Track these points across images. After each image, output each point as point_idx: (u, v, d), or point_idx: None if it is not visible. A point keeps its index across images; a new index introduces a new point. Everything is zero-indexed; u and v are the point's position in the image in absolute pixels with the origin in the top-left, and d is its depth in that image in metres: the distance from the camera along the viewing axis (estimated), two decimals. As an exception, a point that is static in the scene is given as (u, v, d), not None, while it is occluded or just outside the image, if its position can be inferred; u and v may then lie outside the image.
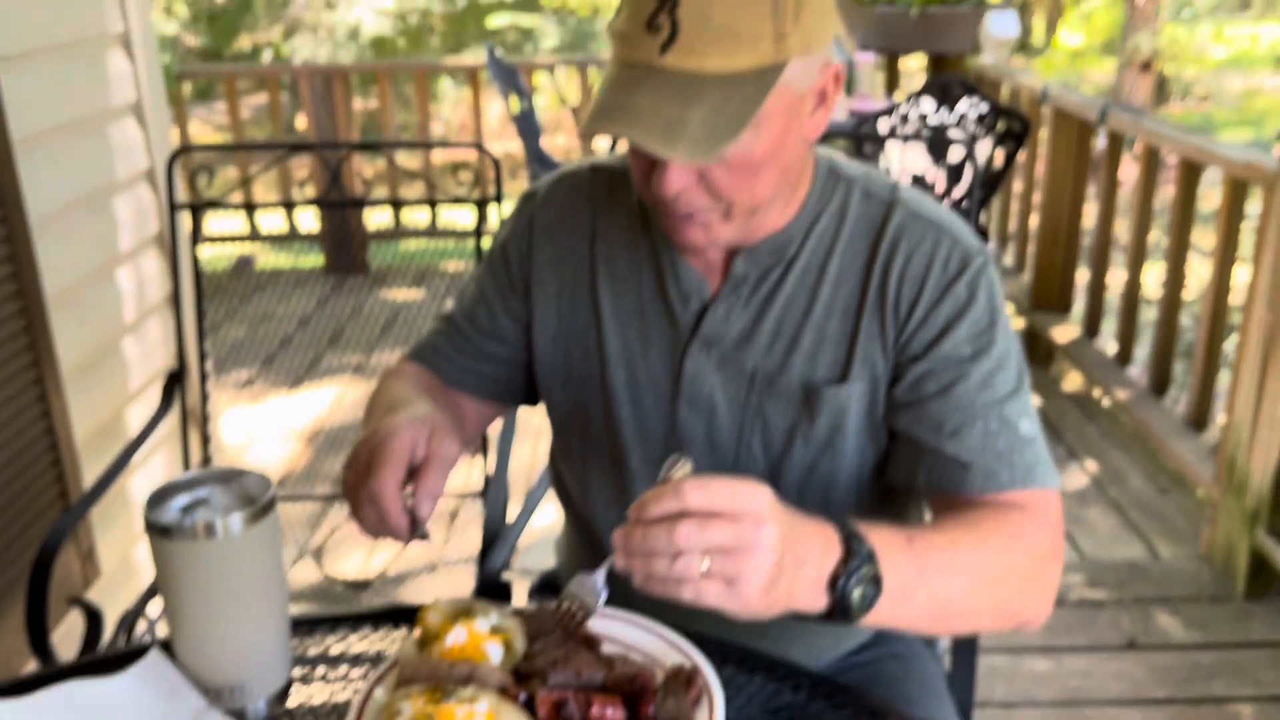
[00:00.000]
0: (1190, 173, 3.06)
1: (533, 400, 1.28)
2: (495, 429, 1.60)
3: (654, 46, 0.93)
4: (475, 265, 1.78)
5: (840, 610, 0.86)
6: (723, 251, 1.11)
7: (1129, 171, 3.80)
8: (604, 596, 0.91)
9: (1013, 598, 0.99)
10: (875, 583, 0.87)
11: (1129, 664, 2.40)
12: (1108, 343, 3.72)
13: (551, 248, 1.19)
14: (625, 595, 0.93)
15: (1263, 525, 2.56)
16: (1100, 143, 3.67)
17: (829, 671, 1.23)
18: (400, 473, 0.97)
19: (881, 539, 0.89)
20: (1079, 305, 3.98)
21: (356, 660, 1.07)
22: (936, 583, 0.93)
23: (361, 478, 0.98)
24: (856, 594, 0.86)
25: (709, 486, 0.80)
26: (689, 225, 1.03)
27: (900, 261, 1.07)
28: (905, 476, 1.09)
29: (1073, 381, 3.92)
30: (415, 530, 0.97)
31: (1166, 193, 3.49)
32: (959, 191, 3.07)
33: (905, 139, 3.28)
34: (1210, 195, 3.70)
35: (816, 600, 0.86)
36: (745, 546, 0.78)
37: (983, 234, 1.21)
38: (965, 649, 1.44)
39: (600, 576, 0.91)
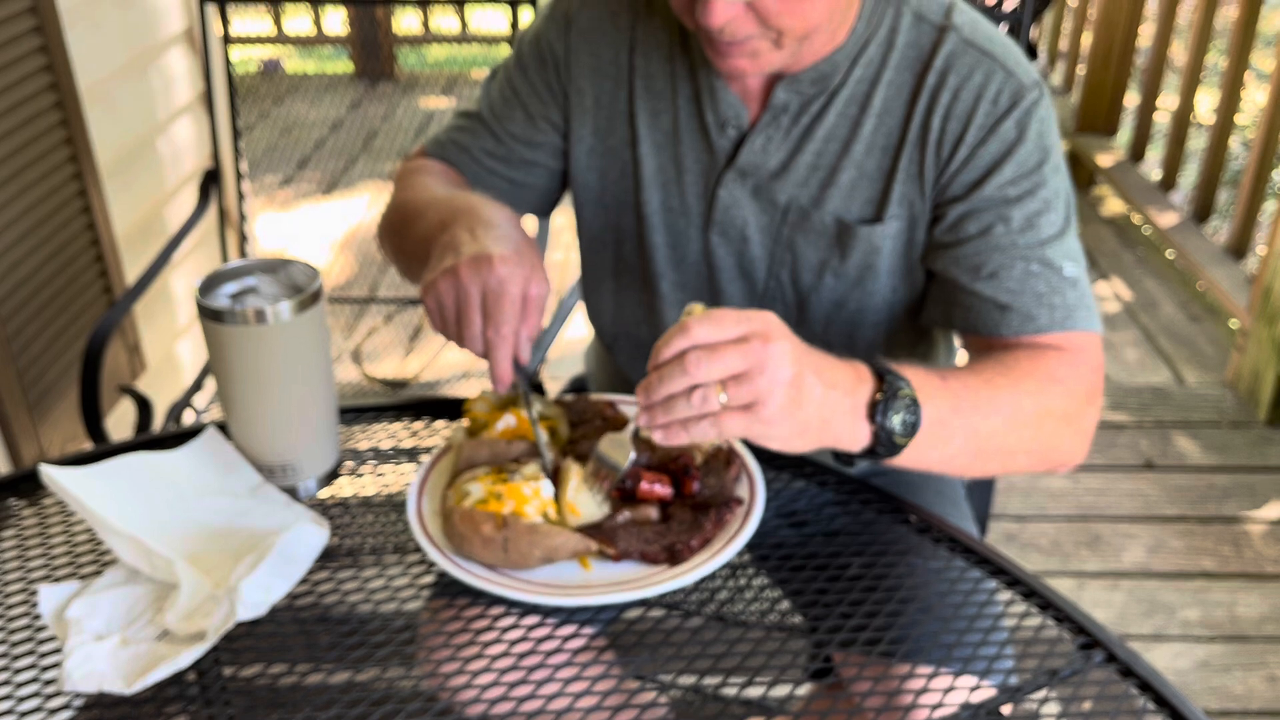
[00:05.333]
0: (1257, -14, 2.92)
1: (547, 211, 1.23)
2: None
3: None
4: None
5: (884, 440, 0.84)
6: (763, 77, 1.06)
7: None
8: (634, 456, 0.89)
9: (1049, 439, 0.97)
10: (914, 408, 0.85)
11: (1144, 483, 2.46)
12: (1152, 169, 3.64)
13: (591, 56, 1.13)
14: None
15: (1292, 354, 2.56)
16: (1164, -46, 3.48)
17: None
18: (519, 324, 0.89)
19: (915, 374, 0.87)
20: (1125, 130, 3.87)
21: (408, 454, 1.10)
22: (974, 420, 0.91)
23: (465, 313, 0.89)
24: (897, 420, 0.84)
25: (714, 318, 0.79)
26: (735, 53, 0.97)
27: (946, 96, 1.01)
28: (941, 318, 1.07)
29: (1112, 207, 3.86)
30: (519, 371, 0.92)
31: (1228, 14, 3.33)
32: (1011, 2, 2.94)
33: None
34: (1273, 17, 3.52)
35: (857, 431, 0.84)
36: (756, 366, 0.77)
37: (1031, 50, 1.14)
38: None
39: (628, 434, 0.90)
